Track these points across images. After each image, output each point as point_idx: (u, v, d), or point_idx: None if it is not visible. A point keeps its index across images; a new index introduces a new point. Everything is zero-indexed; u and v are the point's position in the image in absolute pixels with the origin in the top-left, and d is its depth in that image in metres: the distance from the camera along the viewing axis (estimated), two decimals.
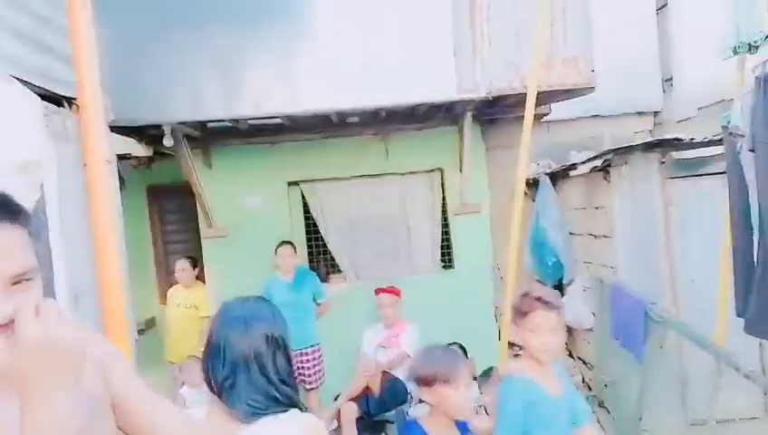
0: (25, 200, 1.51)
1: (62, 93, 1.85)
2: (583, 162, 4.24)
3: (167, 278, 5.43)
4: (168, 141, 4.15)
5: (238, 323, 1.40)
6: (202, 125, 4.44)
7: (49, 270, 1.64)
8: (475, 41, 3.98)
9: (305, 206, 5.14)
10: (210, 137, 4.79)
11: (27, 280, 0.83)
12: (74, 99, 1.91)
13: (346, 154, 4.95)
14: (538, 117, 5.14)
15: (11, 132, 1.45)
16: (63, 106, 1.90)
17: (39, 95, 1.73)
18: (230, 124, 4.40)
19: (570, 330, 4.93)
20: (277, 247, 4.50)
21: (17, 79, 1.60)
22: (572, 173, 4.41)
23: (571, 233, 4.75)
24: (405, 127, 4.92)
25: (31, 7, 1.78)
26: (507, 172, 5.20)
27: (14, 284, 0.81)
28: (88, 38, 1.80)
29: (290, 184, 5.06)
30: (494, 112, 4.80)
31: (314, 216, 5.12)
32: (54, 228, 1.68)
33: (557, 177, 4.83)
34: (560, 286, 4.83)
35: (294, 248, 4.59)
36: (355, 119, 4.64)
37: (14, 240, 0.83)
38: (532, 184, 4.88)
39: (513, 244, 2.70)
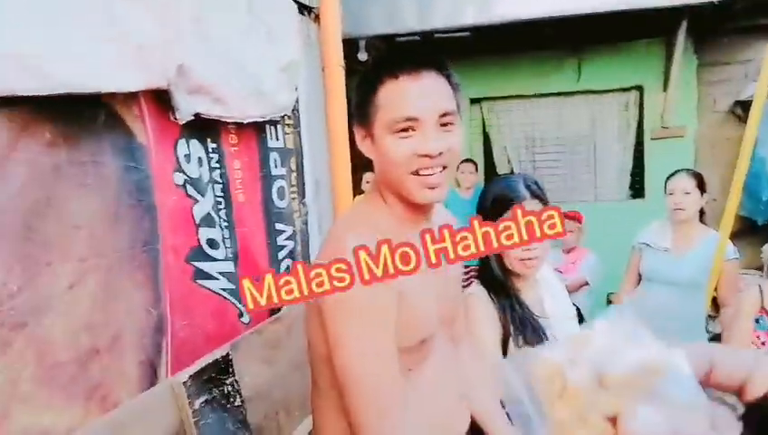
0: (287, 97, 1.74)
1: (305, 2, 2.03)
2: None
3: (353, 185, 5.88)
4: (362, 56, 4.35)
5: None
6: (391, 40, 4.54)
7: (300, 160, 1.89)
8: None
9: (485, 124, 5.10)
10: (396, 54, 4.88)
11: (451, 124, 0.99)
12: (314, 8, 2.09)
13: (533, 71, 4.74)
14: (764, 27, 4.39)
15: (279, 36, 1.64)
16: (304, 15, 2.08)
17: None
18: (418, 39, 4.44)
19: None
20: (459, 164, 4.56)
21: None
22: None
23: None
24: (602, 39, 4.52)
25: None
26: (720, 93, 4.60)
27: (441, 124, 0.98)
28: None
29: (472, 102, 5.02)
30: (712, 22, 4.17)
31: (490, 134, 5.06)
32: (303, 124, 1.91)
33: None
34: None
35: (476, 166, 4.62)
36: (548, 31, 4.38)
37: (440, 85, 0.99)
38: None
39: (738, 176, 2.39)
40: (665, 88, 4.42)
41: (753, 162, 4.17)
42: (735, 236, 4.92)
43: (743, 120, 4.45)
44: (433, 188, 0.98)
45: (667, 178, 2.81)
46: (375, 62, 1.04)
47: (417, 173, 0.97)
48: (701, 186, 2.73)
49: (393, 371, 0.96)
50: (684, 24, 3.96)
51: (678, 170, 2.86)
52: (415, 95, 0.96)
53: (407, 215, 1.05)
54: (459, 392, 1.17)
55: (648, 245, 2.91)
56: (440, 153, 0.96)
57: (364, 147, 1.05)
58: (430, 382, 1.08)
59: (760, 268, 4.59)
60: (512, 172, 5.15)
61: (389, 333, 0.95)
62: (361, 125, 1.04)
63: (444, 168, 0.99)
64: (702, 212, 2.78)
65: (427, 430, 1.06)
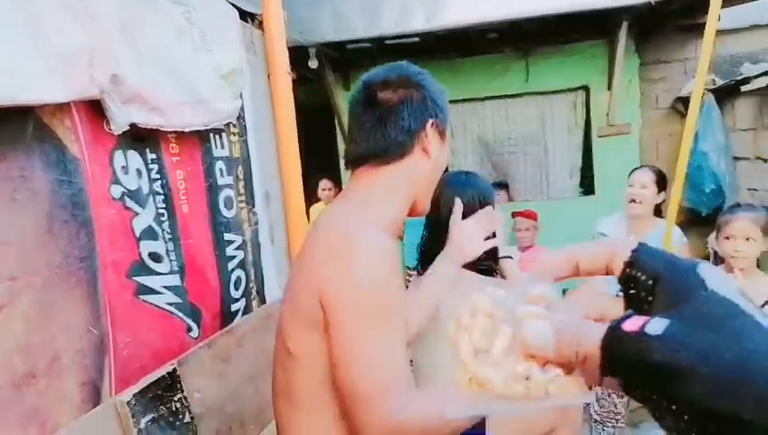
0: (229, 105, 1.71)
1: (249, 10, 2.01)
2: (757, 76, 3.75)
3: (307, 194, 5.86)
4: (313, 63, 4.34)
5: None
6: (342, 47, 4.55)
7: (248, 168, 1.86)
8: None
9: None
10: (349, 60, 4.89)
11: None
12: (258, 15, 2.07)
13: (482, 74, 4.84)
14: (701, 26, 4.62)
15: (218, 42, 1.62)
16: (248, 21, 2.06)
17: None
18: (369, 45, 4.46)
19: None
20: None
21: None
22: (744, 89, 3.93)
23: (734, 157, 4.31)
24: (548, 42, 4.65)
25: None
26: (662, 90, 4.80)
27: None
28: None
29: None
30: (652, 22, 4.36)
31: None
32: (250, 132, 1.88)
33: (722, 94, 4.33)
34: (716, 216, 4.47)
35: None
36: (494, 35, 4.47)
37: None
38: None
39: (680, 170, 2.50)
40: (609, 87, 4.59)
41: (695, 156, 4.36)
42: (682, 227, 5.14)
43: (684, 115, 4.65)
44: None
45: (631, 172, 2.95)
46: None
47: None
48: (660, 183, 2.86)
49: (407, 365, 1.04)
50: (625, 25, 4.12)
51: (643, 166, 3.02)
52: None
53: (401, 226, 1.17)
54: None
55: (604, 235, 3.02)
56: None
57: (434, 144, 1.14)
58: None
59: (706, 258, 4.80)
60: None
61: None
62: (443, 126, 1.17)
63: None
64: (659, 209, 2.92)
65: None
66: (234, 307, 1.73)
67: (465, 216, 1.66)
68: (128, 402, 1.18)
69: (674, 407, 0.31)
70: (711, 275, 0.34)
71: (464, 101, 4.98)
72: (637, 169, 2.98)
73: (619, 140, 4.74)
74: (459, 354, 0.41)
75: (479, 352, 0.40)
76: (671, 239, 2.68)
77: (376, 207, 1.11)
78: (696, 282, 0.34)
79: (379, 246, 1.00)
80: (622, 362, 0.32)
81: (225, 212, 1.69)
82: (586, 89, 4.81)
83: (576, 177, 5.01)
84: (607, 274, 0.40)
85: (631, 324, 0.32)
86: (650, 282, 0.36)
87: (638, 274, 0.37)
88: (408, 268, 4.68)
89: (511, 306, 0.40)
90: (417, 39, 4.32)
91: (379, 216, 1.10)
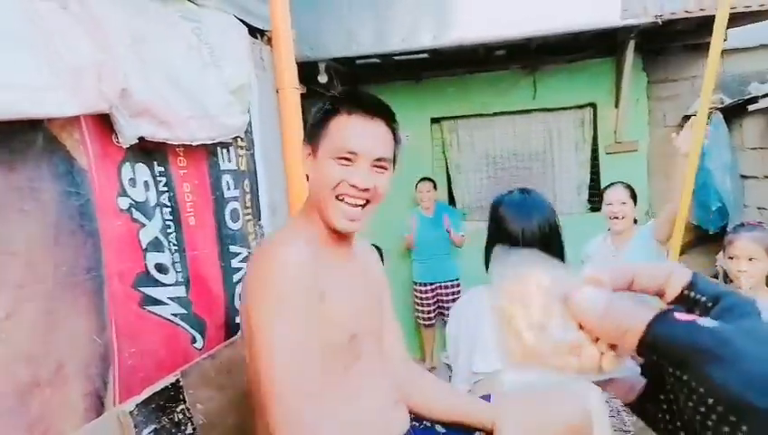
0: (238, 120, 1.74)
1: (258, 26, 2.04)
2: (765, 95, 3.75)
3: None
4: (322, 78, 4.39)
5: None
6: (351, 62, 4.60)
7: (255, 182, 1.88)
8: None
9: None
10: (358, 75, 4.94)
11: (383, 168, 1.14)
12: (267, 31, 2.10)
13: (491, 90, 4.86)
14: (709, 45, 4.62)
15: (227, 58, 1.65)
16: (257, 38, 2.10)
17: None
18: (378, 60, 4.51)
19: None
20: (417, 183, 4.62)
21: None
22: (751, 108, 3.92)
23: (742, 175, 4.28)
24: (556, 59, 4.67)
25: None
26: (670, 108, 4.80)
27: (374, 166, 1.12)
28: None
29: (433, 121, 5.11)
30: (659, 41, 4.37)
31: (447, 152, 5.13)
32: (257, 146, 1.90)
33: (730, 113, 4.33)
34: (723, 234, 4.44)
35: (434, 184, 4.68)
36: (502, 52, 4.50)
37: (385, 134, 1.14)
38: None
39: (687, 188, 2.50)
40: (617, 104, 4.59)
41: (700, 173, 4.33)
42: (690, 245, 5.10)
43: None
44: (352, 220, 1.12)
45: (604, 190, 2.99)
46: (337, 95, 1.18)
47: (340, 199, 1.10)
48: (634, 197, 2.95)
49: (311, 361, 1.01)
50: (632, 43, 4.13)
51: (614, 183, 3.06)
52: (360, 133, 1.10)
53: (331, 236, 1.16)
54: (394, 398, 1.24)
55: (591, 256, 3.08)
56: (366, 188, 1.10)
57: (306, 163, 1.17)
58: (364, 383, 1.16)
59: (714, 276, 4.75)
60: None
61: (310, 326, 1.01)
62: (309, 144, 1.17)
63: (367, 202, 1.13)
64: (635, 221, 2.99)
65: (361, 426, 1.13)
66: (238, 319, 1.74)
67: (537, 242, 1.55)
68: (130, 412, 1.18)
69: (702, 389, 0.33)
70: (766, 309, 0.37)
71: (471, 116, 5.01)
72: (609, 186, 3.01)
73: (626, 157, 4.73)
74: (514, 325, 0.41)
75: (535, 327, 0.41)
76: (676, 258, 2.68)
77: (294, 221, 1.22)
78: (754, 310, 0.37)
79: (281, 256, 1.02)
80: (667, 341, 0.35)
81: (231, 224, 1.71)
82: (593, 106, 4.82)
83: (584, 193, 5.00)
84: (656, 294, 0.43)
85: (682, 316, 0.36)
86: (710, 303, 0.39)
87: (699, 295, 0.40)
88: (416, 283, 4.67)
89: (567, 285, 0.41)
90: (425, 55, 4.36)
91: (294, 228, 1.18)
